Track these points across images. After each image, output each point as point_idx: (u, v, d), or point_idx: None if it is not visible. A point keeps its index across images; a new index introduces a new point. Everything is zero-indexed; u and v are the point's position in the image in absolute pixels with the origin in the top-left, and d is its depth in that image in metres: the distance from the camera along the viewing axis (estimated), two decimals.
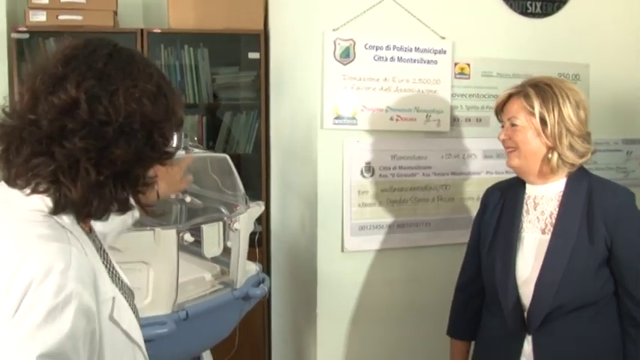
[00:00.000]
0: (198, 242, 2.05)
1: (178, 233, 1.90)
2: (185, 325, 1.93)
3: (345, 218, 2.52)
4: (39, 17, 3.22)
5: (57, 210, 1.03)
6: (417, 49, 2.52)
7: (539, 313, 1.74)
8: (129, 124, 1.02)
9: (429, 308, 2.58)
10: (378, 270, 2.59)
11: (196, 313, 1.96)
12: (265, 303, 3.40)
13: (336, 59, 2.45)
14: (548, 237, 1.77)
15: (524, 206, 1.84)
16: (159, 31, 3.36)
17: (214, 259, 2.22)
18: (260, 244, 3.38)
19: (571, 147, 1.73)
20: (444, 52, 2.56)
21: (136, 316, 1.23)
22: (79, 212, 1.04)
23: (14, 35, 3.23)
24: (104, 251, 1.22)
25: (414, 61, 2.52)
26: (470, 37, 2.60)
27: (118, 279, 1.22)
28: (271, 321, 3.44)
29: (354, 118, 2.48)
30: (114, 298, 1.10)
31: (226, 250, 2.16)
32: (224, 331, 2.18)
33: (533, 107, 1.74)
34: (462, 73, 2.61)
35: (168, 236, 1.88)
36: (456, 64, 2.60)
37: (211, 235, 2.02)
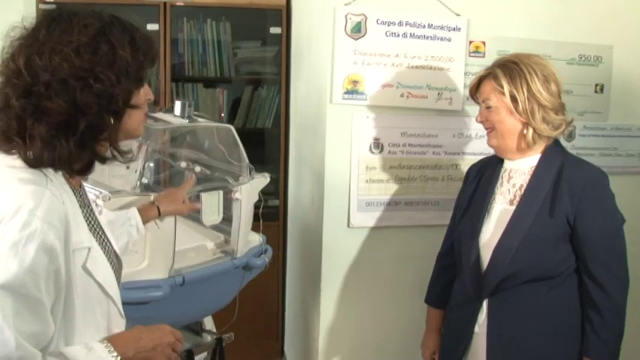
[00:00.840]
0: None
1: None
2: (181, 290, 1.97)
3: (351, 194, 2.52)
4: None
5: (29, 164, 1.11)
6: (430, 26, 2.49)
7: (494, 277, 1.76)
8: (57, 78, 1.08)
9: None
10: (384, 247, 2.59)
11: (193, 279, 2.00)
12: (280, 274, 3.45)
13: (347, 34, 2.43)
14: (514, 208, 1.80)
15: (499, 179, 1.88)
16: (182, 4, 3.39)
17: (220, 229, 2.26)
18: (277, 218, 3.43)
19: (545, 120, 1.74)
20: (459, 29, 2.52)
21: (116, 277, 1.29)
22: (43, 165, 1.11)
23: (42, 6, 3.30)
24: (91, 209, 1.28)
25: (427, 37, 2.49)
26: (486, 15, 2.55)
27: (103, 240, 1.28)
28: (285, 292, 3.48)
29: (363, 94, 2.47)
30: (89, 249, 1.16)
31: (230, 220, 2.19)
32: (223, 299, 2.22)
33: (502, 87, 1.76)
34: (476, 51, 2.56)
35: None
36: (470, 42, 2.56)
37: (210, 204, 2.05)
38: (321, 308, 2.57)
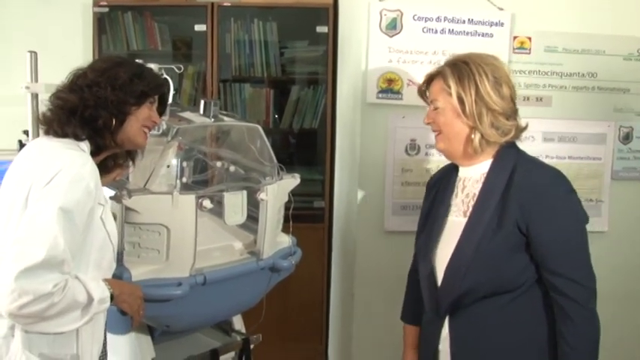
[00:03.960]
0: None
1: (197, 199, 1.94)
2: (203, 289, 1.96)
3: (386, 197, 2.45)
4: None
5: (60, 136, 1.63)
6: (470, 21, 2.38)
7: (448, 295, 1.67)
8: (77, 84, 1.66)
9: None
10: None
11: (215, 278, 1.99)
12: (325, 276, 3.40)
13: (381, 31, 2.37)
14: (466, 220, 1.68)
15: (455, 189, 1.77)
16: (229, 4, 3.41)
17: (250, 229, 2.24)
18: (322, 220, 3.39)
19: (493, 125, 1.62)
20: (502, 24, 2.40)
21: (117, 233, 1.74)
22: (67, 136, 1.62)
23: (95, 9, 3.40)
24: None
25: (467, 33, 2.39)
26: (531, 9, 2.42)
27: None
28: (330, 294, 3.43)
29: (399, 93, 2.40)
30: (104, 206, 1.62)
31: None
32: (249, 300, 2.19)
33: (450, 87, 1.65)
34: (521, 47, 2.44)
35: (186, 201, 1.91)
36: (514, 38, 2.44)
37: (233, 203, 2.03)
38: (354, 312, 2.52)
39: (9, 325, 1.49)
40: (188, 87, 3.46)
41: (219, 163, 2.42)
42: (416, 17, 2.37)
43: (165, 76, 2.68)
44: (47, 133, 1.66)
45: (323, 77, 3.45)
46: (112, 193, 1.94)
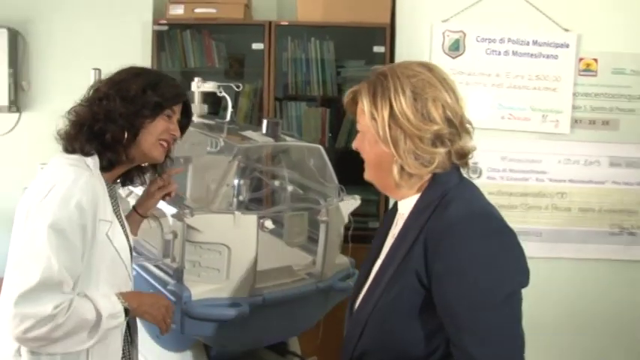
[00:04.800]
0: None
1: (259, 219, 1.93)
2: (262, 310, 1.95)
3: None
4: (177, 10, 3.42)
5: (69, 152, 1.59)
6: (535, 43, 2.34)
7: (345, 355, 1.38)
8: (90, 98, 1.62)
9: (537, 323, 2.38)
10: None
11: (274, 299, 1.98)
12: None
13: (444, 52, 2.34)
14: None
15: (394, 226, 1.43)
16: (286, 23, 3.43)
17: (309, 250, 2.23)
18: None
19: (414, 153, 1.26)
20: (567, 45, 2.35)
21: (129, 250, 1.67)
22: (75, 152, 1.58)
23: (155, 27, 3.46)
24: (116, 200, 1.69)
25: (532, 55, 2.34)
26: (598, 29, 2.36)
27: (121, 223, 1.67)
28: None
29: None
30: (111, 223, 1.58)
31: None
32: (307, 322, 2.18)
33: (363, 106, 1.31)
34: (587, 69, 2.38)
35: (248, 221, 1.91)
36: (580, 60, 2.38)
37: (295, 224, 2.03)
38: None
39: (15, 347, 1.46)
40: (244, 105, 3.48)
41: (277, 183, 2.42)
42: (479, 38, 2.33)
43: (223, 94, 2.71)
44: (64, 149, 1.61)
45: None
46: (172, 210, 1.95)
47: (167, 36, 3.48)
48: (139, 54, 3.55)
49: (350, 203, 2.25)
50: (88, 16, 3.58)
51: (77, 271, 1.46)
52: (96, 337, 1.48)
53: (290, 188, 2.33)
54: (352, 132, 3.47)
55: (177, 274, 1.90)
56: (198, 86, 2.72)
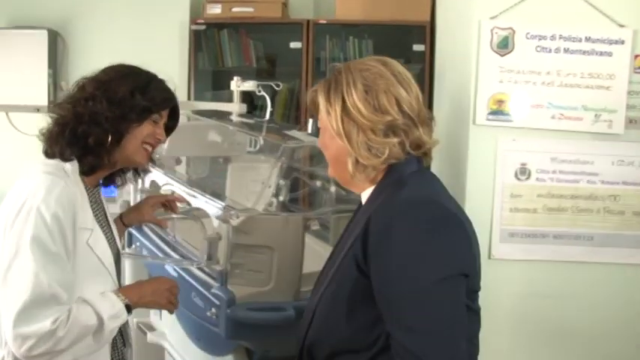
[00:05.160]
0: None
1: (305, 220, 1.89)
2: None
3: (494, 223, 2.33)
4: (215, 10, 3.41)
5: (48, 156, 1.55)
6: (587, 39, 2.25)
7: (297, 347, 1.41)
8: (72, 97, 1.57)
9: (581, 331, 2.30)
10: (528, 282, 2.36)
11: None
12: None
13: (492, 50, 2.26)
14: None
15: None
16: (324, 22, 3.39)
17: None
18: None
19: (367, 145, 1.29)
20: (622, 42, 2.25)
21: (114, 256, 1.62)
22: (54, 157, 1.53)
23: (193, 27, 3.45)
24: (101, 205, 1.67)
25: (584, 52, 2.25)
26: None
27: (105, 228, 1.63)
28: None
29: (509, 115, 2.28)
30: (92, 230, 1.52)
31: None
32: None
33: (320, 103, 1.35)
34: None
35: (294, 222, 1.87)
36: (636, 57, 2.28)
37: (340, 226, 1.97)
38: None
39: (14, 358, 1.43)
40: (281, 104, 3.45)
41: (318, 183, 2.37)
42: (529, 35, 2.25)
43: (262, 93, 2.68)
44: (43, 151, 1.56)
45: None
46: (216, 211, 1.92)
47: (204, 35, 3.47)
48: (176, 53, 3.55)
49: None
50: (126, 17, 3.59)
51: (69, 281, 1.43)
52: (102, 340, 1.47)
53: (333, 189, 2.29)
54: None
55: (222, 277, 1.86)
56: (238, 85, 2.69)
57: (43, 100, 3.52)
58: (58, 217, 1.41)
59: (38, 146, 3.60)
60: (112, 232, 1.69)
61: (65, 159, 1.51)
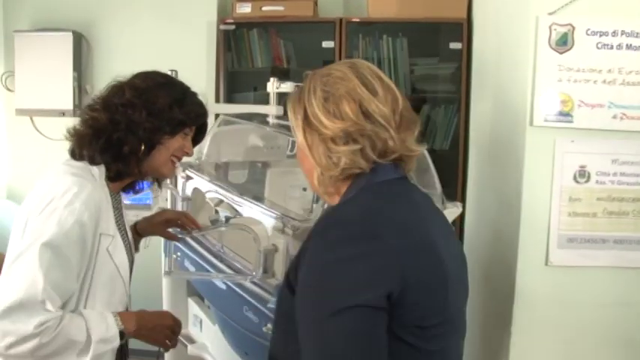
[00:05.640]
0: None
1: None
2: None
3: (551, 228, 2.23)
4: (245, 9, 3.31)
5: (75, 158, 1.54)
6: None
7: None
8: (109, 102, 1.53)
9: None
10: (587, 289, 2.26)
11: None
12: None
13: (551, 47, 2.16)
14: None
15: None
16: (357, 20, 3.28)
17: None
18: None
19: (326, 155, 1.19)
20: None
21: (129, 265, 1.62)
22: (82, 159, 1.53)
23: (222, 27, 3.35)
24: (120, 212, 1.64)
25: None
26: None
27: (124, 236, 1.62)
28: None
29: (569, 115, 2.18)
30: (113, 237, 1.52)
31: None
32: None
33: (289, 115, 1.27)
34: None
35: None
36: None
37: None
38: (510, 356, 2.29)
39: None
40: None
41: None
42: (589, 32, 2.15)
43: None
44: (70, 153, 1.55)
45: (454, 96, 3.26)
46: (270, 221, 1.82)
47: (233, 35, 3.37)
48: (203, 55, 3.45)
49: (452, 211, 2.10)
50: (151, 18, 3.49)
51: (70, 289, 1.42)
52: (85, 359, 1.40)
53: None
54: (425, 133, 3.32)
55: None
56: (277, 87, 2.59)
57: (68, 104, 3.43)
58: (81, 223, 1.40)
59: (63, 151, 3.55)
60: (128, 240, 1.67)
61: (93, 163, 1.51)
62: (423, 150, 1.31)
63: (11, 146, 3.62)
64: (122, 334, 1.47)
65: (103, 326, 1.43)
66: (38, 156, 3.59)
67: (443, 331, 1.15)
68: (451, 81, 3.28)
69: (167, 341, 1.62)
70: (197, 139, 1.70)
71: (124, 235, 1.61)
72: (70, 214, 1.39)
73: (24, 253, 1.36)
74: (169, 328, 1.62)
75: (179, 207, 2.36)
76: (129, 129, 1.50)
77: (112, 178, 1.55)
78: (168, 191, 2.47)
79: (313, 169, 1.22)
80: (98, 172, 1.51)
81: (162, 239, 2.31)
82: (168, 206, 2.56)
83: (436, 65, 3.32)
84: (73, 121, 3.51)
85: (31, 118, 3.56)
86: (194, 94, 1.63)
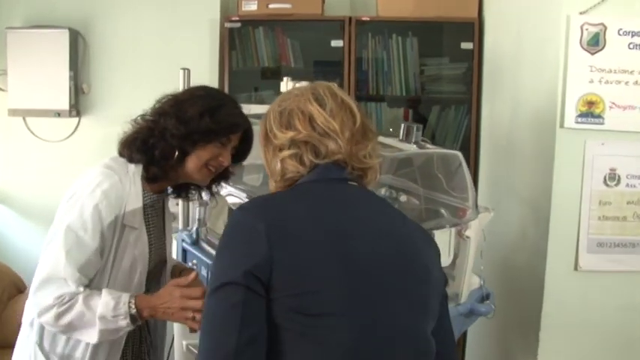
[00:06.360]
0: None
1: None
2: None
3: (581, 232, 2.19)
4: (250, 7, 3.21)
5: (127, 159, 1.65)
6: None
7: None
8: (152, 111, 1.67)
9: None
10: (618, 295, 2.22)
11: None
12: None
13: (582, 47, 2.12)
14: None
15: None
16: (367, 19, 3.21)
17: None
18: None
19: (272, 163, 1.30)
20: None
21: (149, 260, 1.68)
22: (123, 156, 1.66)
23: (227, 25, 3.25)
24: (155, 210, 1.72)
25: None
26: None
27: (152, 232, 1.70)
28: (466, 336, 3.15)
29: (600, 117, 2.14)
30: (138, 230, 1.62)
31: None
32: None
33: None
34: None
35: None
36: None
37: (441, 243, 1.80)
38: None
39: (30, 319, 1.64)
40: None
41: (382, 190, 2.20)
42: (621, 32, 2.11)
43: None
44: (117, 151, 1.68)
45: (465, 97, 3.21)
46: None
47: (238, 34, 3.26)
48: (206, 53, 3.34)
49: (485, 216, 2.03)
50: (152, 14, 3.37)
51: (92, 268, 1.55)
52: (96, 334, 1.50)
53: (404, 198, 2.12)
54: (437, 135, 3.26)
55: None
56: (295, 86, 2.50)
57: (64, 105, 3.28)
58: (97, 209, 1.53)
59: (58, 153, 3.41)
60: (164, 240, 1.79)
61: (132, 162, 1.63)
62: (375, 162, 1.30)
63: (3, 148, 3.46)
64: (134, 318, 1.51)
65: (111, 304, 1.50)
66: (32, 159, 3.44)
67: (339, 325, 1.10)
68: (462, 81, 3.22)
69: (189, 319, 1.55)
70: (241, 150, 1.71)
71: (157, 234, 1.73)
72: (91, 202, 1.53)
73: (53, 237, 1.54)
74: (184, 308, 1.54)
75: (196, 213, 2.26)
76: (160, 135, 1.60)
77: (150, 179, 1.65)
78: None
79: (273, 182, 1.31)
80: (134, 169, 1.63)
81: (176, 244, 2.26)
82: (180, 211, 2.47)
83: (446, 65, 3.26)
84: (68, 122, 3.38)
85: (25, 119, 3.40)
86: (234, 106, 1.67)
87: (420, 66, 3.24)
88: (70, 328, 1.52)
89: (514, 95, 2.67)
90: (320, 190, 1.23)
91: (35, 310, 1.53)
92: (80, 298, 1.50)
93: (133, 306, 1.51)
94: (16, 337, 1.71)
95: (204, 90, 1.68)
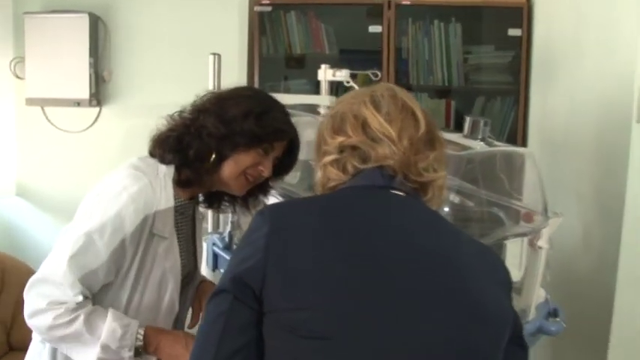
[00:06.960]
0: None
1: None
2: None
3: None
4: None
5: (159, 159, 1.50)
6: None
7: None
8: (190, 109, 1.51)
9: None
10: None
11: None
12: None
13: None
14: None
15: None
16: (408, 3, 3.00)
17: None
18: None
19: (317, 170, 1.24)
20: None
21: (182, 272, 1.52)
22: (154, 157, 1.50)
23: (257, 8, 3.05)
24: (186, 218, 1.56)
25: None
26: None
27: (183, 242, 1.54)
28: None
29: None
30: (168, 239, 1.46)
31: None
32: None
33: None
34: None
35: None
36: None
37: (513, 255, 1.60)
38: None
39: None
40: None
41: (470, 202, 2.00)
42: None
43: (351, 83, 2.30)
44: (148, 150, 1.53)
45: (512, 87, 3.00)
46: None
47: (269, 18, 3.06)
48: (235, 40, 3.14)
49: (554, 221, 1.82)
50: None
51: (97, 279, 1.40)
52: (93, 359, 1.38)
53: (456, 200, 1.93)
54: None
55: None
56: (334, 75, 2.32)
57: (84, 94, 3.11)
58: (121, 215, 1.38)
59: (78, 144, 3.24)
60: (194, 250, 1.63)
61: (163, 162, 1.48)
62: (439, 176, 1.13)
63: (21, 139, 3.30)
64: (138, 352, 1.40)
65: (118, 333, 1.37)
66: (50, 150, 3.29)
67: (334, 346, 0.96)
68: (508, 71, 3.01)
69: None
70: (284, 163, 1.55)
71: (186, 244, 1.57)
72: (114, 206, 1.39)
73: (65, 238, 1.39)
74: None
75: (229, 214, 2.08)
76: (197, 133, 1.45)
77: (182, 183, 1.49)
78: None
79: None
80: (165, 170, 1.47)
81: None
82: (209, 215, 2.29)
83: (492, 53, 3.05)
84: (89, 112, 3.20)
85: (43, 109, 3.24)
86: (283, 112, 1.51)
87: (464, 54, 3.05)
88: (60, 341, 1.39)
89: (573, 85, 2.44)
90: (351, 199, 1.11)
91: (25, 311, 1.38)
92: (82, 316, 1.36)
93: (141, 337, 1.40)
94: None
95: (251, 90, 1.59)
